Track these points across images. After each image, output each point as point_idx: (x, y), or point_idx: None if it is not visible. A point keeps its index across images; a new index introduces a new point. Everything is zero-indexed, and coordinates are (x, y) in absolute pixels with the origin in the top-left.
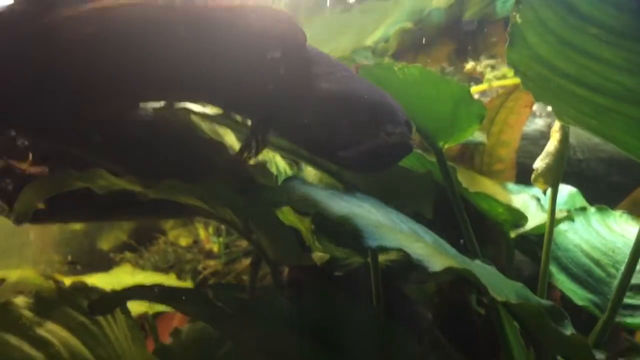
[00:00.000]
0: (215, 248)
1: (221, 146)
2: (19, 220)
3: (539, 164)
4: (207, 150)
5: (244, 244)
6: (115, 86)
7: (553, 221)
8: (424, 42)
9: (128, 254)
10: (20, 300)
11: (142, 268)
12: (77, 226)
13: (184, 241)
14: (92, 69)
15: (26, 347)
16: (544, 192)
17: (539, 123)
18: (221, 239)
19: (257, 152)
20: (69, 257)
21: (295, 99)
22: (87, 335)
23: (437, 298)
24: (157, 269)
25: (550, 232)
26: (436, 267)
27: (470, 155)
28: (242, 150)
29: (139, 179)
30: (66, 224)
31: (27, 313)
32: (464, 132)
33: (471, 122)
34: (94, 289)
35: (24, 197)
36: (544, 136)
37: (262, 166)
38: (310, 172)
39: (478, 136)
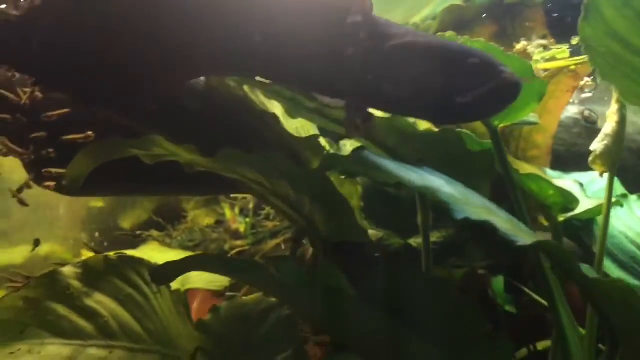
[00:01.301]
0: (242, 228)
1: (271, 120)
2: (70, 187)
3: (597, 146)
4: (257, 123)
5: (270, 224)
6: (182, 56)
7: (610, 205)
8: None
9: (155, 232)
10: (67, 270)
11: (169, 247)
12: (101, 203)
13: (206, 221)
14: (158, 36)
15: (75, 318)
16: (601, 175)
17: (572, 110)
18: (248, 220)
19: (364, 128)
20: (97, 234)
21: (392, 61)
22: (135, 307)
23: (463, 283)
24: (183, 247)
25: (608, 216)
26: (525, 241)
27: (506, 141)
28: (348, 130)
29: (198, 147)
30: (94, 200)
31: (75, 283)
32: (521, 111)
33: (530, 100)
34: (141, 261)
35: (76, 163)
36: (577, 124)
37: (311, 141)
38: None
39: (532, 117)
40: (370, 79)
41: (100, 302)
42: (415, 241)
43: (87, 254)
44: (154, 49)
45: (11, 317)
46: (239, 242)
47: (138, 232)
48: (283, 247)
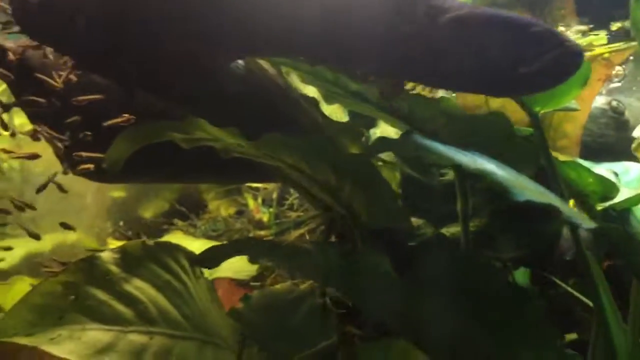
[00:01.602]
0: (265, 218)
1: (307, 105)
2: (109, 170)
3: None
4: (292, 108)
5: (293, 215)
6: (228, 35)
7: None
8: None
9: (179, 222)
10: (106, 255)
11: (193, 236)
12: (122, 193)
13: (226, 211)
14: (203, 14)
15: (114, 303)
16: None
17: (599, 101)
18: (271, 210)
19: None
20: (121, 223)
21: (450, 35)
22: (173, 293)
23: None
24: (206, 237)
25: None
26: (590, 225)
27: None
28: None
29: (241, 131)
30: (116, 189)
31: (114, 268)
32: (564, 96)
33: (574, 85)
34: (177, 247)
35: (116, 146)
36: (605, 114)
37: (350, 126)
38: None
39: (574, 103)
40: (429, 55)
41: (139, 287)
42: (448, 230)
43: (113, 243)
44: (197, 27)
45: (50, 302)
46: (262, 232)
47: (164, 220)
48: (307, 237)
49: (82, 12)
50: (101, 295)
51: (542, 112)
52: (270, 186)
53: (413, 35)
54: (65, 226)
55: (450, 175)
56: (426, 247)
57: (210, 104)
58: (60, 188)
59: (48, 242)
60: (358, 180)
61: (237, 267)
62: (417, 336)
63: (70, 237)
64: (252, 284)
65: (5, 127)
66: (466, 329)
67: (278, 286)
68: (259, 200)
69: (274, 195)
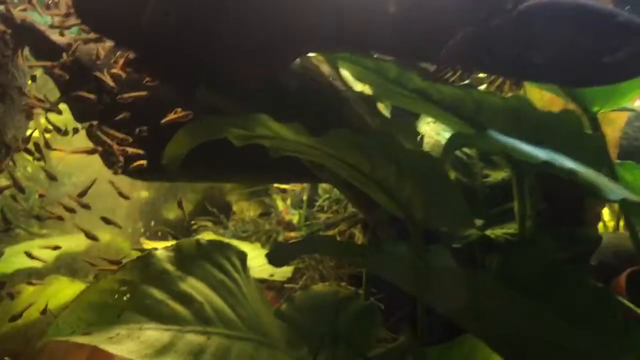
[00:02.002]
0: (295, 219)
1: (360, 102)
2: (169, 164)
3: None
4: (342, 106)
5: (323, 216)
6: (301, 31)
7: None
8: None
9: (209, 223)
10: (161, 253)
11: (222, 237)
12: (146, 193)
13: (250, 213)
14: (278, 10)
15: (171, 302)
16: None
17: (635, 104)
18: (301, 211)
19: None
20: (152, 223)
21: (534, 25)
22: (227, 293)
23: None
24: (236, 238)
25: None
26: None
27: None
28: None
29: (305, 128)
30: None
31: (170, 267)
32: (625, 95)
33: (634, 85)
34: (229, 246)
35: (176, 141)
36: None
37: (406, 125)
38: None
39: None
40: (516, 47)
41: (194, 287)
42: (493, 232)
43: (147, 243)
44: (271, 21)
45: (107, 300)
46: (292, 234)
47: (193, 222)
48: (338, 238)
49: (148, 8)
50: (158, 294)
51: (601, 111)
52: (298, 187)
53: (501, 26)
54: (107, 221)
55: (494, 177)
56: (494, 246)
57: (270, 100)
58: (122, 195)
59: (82, 242)
60: (422, 180)
61: (271, 268)
62: (492, 336)
63: (104, 237)
64: (285, 285)
65: (58, 129)
66: (545, 329)
67: (320, 287)
68: (288, 202)
69: (305, 197)
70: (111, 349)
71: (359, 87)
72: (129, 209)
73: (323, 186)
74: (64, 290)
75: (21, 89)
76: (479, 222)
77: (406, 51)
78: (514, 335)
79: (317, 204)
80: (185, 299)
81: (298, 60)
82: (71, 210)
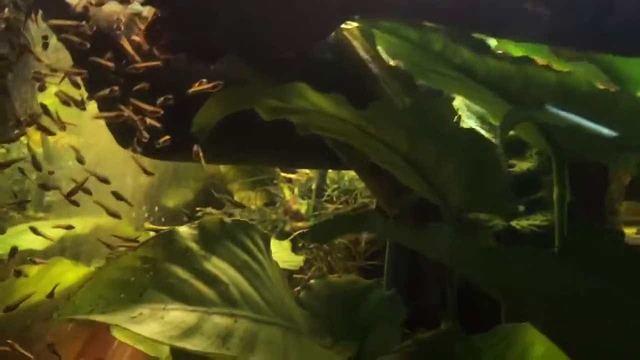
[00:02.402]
0: (303, 209)
1: (396, 79)
2: (197, 134)
3: None
4: (374, 83)
5: (331, 207)
6: None
7: None
8: None
9: (214, 211)
10: (184, 231)
11: None
12: (151, 179)
13: (253, 202)
14: None
15: (195, 282)
16: None
17: None
18: (310, 201)
19: None
20: (156, 209)
21: None
22: (252, 275)
23: None
24: None
25: None
26: None
27: None
28: None
29: (346, 99)
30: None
31: (193, 245)
32: None
33: None
34: (252, 226)
35: (206, 110)
36: None
37: (444, 103)
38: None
39: None
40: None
41: (219, 267)
42: (518, 223)
43: (151, 229)
44: None
45: (129, 278)
46: (299, 224)
47: (197, 209)
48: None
49: None
50: (181, 272)
51: None
52: (303, 177)
53: None
54: (113, 214)
55: (519, 167)
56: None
57: (303, 74)
58: (147, 172)
59: (87, 224)
60: (467, 159)
61: (285, 257)
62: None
63: (107, 221)
64: (294, 276)
65: (74, 102)
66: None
67: (339, 277)
68: (295, 191)
69: (313, 186)
70: (134, 328)
71: (392, 63)
72: (132, 194)
73: (331, 176)
74: (67, 273)
75: (33, 55)
76: None
77: (459, 18)
78: (583, 321)
79: (326, 193)
80: (210, 279)
81: (333, 33)
82: (88, 192)
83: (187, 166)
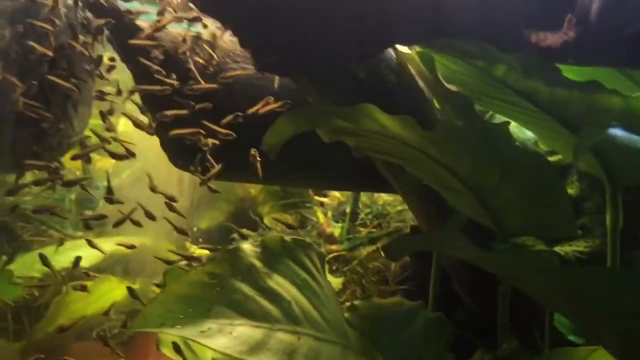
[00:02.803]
0: (337, 233)
1: (455, 103)
2: (269, 153)
3: None
4: (428, 107)
5: (364, 231)
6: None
7: None
8: None
9: (248, 231)
10: (248, 248)
11: None
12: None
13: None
14: None
15: (260, 299)
16: None
17: None
18: (343, 225)
19: None
20: (195, 229)
21: None
22: (311, 294)
23: None
24: None
25: None
26: None
27: None
28: None
29: (414, 120)
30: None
31: (257, 262)
32: None
33: None
34: (310, 245)
35: (276, 129)
36: None
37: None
38: None
39: None
40: None
41: (281, 284)
42: (562, 249)
43: (192, 248)
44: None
45: (198, 293)
46: (333, 247)
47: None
48: (382, 254)
49: None
50: (246, 289)
51: None
52: (335, 201)
53: None
54: (181, 231)
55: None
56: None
57: (369, 94)
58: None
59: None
60: (531, 182)
61: None
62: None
63: (150, 241)
64: None
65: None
66: None
67: (385, 299)
68: (329, 214)
69: (348, 209)
70: (205, 342)
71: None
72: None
73: (363, 200)
74: (115, 291)
75: (95, 75)
76: None
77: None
78: None
79: (360, 217)
80: (273, 296)
81: (393, 56)
82: (151, 217)
83: (220, 188)
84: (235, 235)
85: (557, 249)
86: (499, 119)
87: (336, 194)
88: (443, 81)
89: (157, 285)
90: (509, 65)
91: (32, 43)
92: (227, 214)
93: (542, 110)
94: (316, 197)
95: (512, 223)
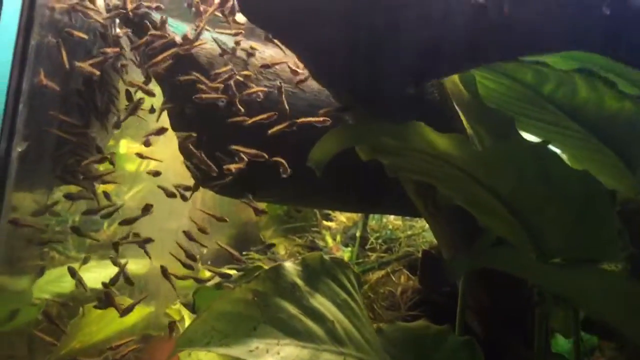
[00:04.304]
0: (346, 257)
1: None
2: (316, 169)
3: None
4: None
5: (373, 255)
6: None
7: None
8: None
9: (255, 255)
10: (290, 266)
11: None
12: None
13: (286, 249)
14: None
15: (304, 318)
16: None
17: None
18: (353, 249)
19: None
20: (204, 251)
21: None
22: (351, 314)
23: None
24: None
25: None
26: None
27: None
28: None
29: (466, 138)
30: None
31: (299, 281)
32: None
33: None
34: (348, 265)
35: (322, 145)
36: None
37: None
38: None
39: None
40: None
41: (323, 304)
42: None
43: (203, 271)
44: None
45: (242, 311)
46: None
47: (245, 253)
48: (393, 278)
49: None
50: (290, 308)
51: None
52: (341, 225)
53: None
54: (190, 257)
55: None
56: None
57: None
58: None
59: (141, 265)
60: (577, 204)
61: None
62: None
63: (160, 262)
64: None
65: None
66: None
67: (400, 323)
68: (338, 238)
69: (358, 234)
70: None
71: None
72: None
73: (371, 224)
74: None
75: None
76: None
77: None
78: None
79: (370, 242)
80: (317, 315)
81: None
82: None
83: (224, 212)
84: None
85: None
86: (535, 139)
87: (342, 217)
88: (477, 100)
89: (185, 305)
90: (559, 82)
91: (79, 64)
92: (230, 237)
93: (586, 129)
94: (324, 222)
95: (553, 244)
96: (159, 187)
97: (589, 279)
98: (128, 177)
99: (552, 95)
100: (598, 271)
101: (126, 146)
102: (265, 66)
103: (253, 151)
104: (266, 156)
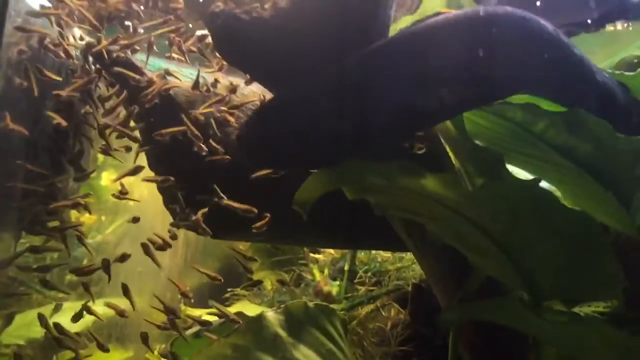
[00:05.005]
0: (334, 291)
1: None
2: (300, 211)
3: None
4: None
5: (361, 289)
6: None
7: None
8: None
9: (244, 292)
10: (271, 316)
11: (258, 306)
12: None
13: (273, 283)
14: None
15: None
16: None
17: None
18: (341, 283)
19: None
20: (187, 288)
21: None
22: None
23: None
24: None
25: None
26: None
27: None
28: None
29: (458, 178)
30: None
31: (281, 332)
32: None
33: None
34: (333, 312)
35: (307, 186)
36: None
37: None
38: None
39: None
40: None
41: (307, 356)
42: (581, 310)
43: (185, 309)
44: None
45: None
46: (332, 306)
47: (229, 290)
48: (383, 312)
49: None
50: None
51: None
52: (329, 257)
53: None
54: (185, 295)
55: None
56: None
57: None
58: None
59: (125, 304)
60: (574, 242)
61: None
62: None
63: (145, 300)
64: None
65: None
66: None
67: None
68: (326, 272)
69: (346, 267)
70: None
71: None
72: (170, 272)
73: (360, 257)
74: (109, 358)
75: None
76: None
77: None
78: None
79: (358, 275)
80: None
81: None
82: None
83: (209, 245)
84: (227, 294)
85: (576, 309)
86: (524, 175)
87: (330, 250)
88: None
89: (163, 356)
90: (550, 122)
91: (50, 113)
92: (216, 271)
93: (578, 165)
94: (311, 255)
95: (545, 284)
96: (141, 244)
97: (587, 333)
98: (110, 209)
99: (543, 135)
100: (596, 325)
101: (108, 178)
102: (235, 107)
103: (244, 207)
104: (256, 211)
